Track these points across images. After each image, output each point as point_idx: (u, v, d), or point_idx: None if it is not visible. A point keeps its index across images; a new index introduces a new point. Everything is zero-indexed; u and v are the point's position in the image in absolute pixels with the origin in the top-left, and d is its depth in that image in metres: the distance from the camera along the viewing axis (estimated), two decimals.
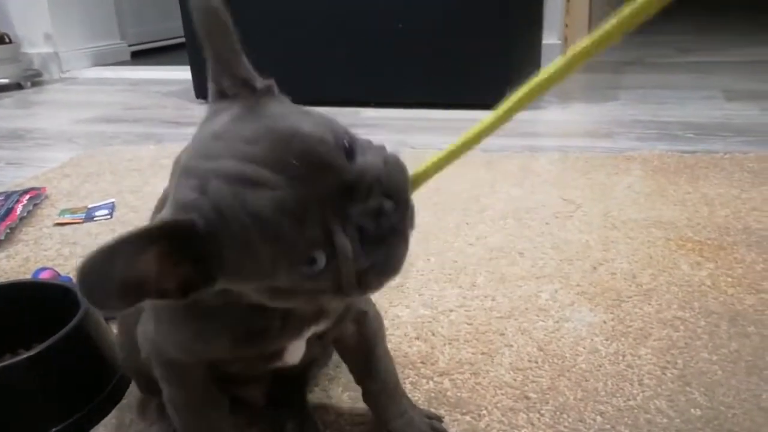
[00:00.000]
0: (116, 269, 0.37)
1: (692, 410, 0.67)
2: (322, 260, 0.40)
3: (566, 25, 2.70)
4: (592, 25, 2.78)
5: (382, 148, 0.44)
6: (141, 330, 0.56)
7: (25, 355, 0.66)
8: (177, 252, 0.39)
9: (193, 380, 0.56)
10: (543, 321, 0.85)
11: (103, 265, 0.36)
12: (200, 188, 0.39)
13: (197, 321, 0.49)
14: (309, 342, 0.56)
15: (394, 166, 0.43)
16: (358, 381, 0.65)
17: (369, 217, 0.40)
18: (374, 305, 0.63)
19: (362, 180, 0.41)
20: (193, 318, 0.49)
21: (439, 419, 0.67)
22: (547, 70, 0.41)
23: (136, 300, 0.39)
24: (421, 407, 0.68)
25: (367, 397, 0.65)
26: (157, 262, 0.39)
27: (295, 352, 0.56)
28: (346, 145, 0.41)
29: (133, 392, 0.73)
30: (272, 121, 0.41)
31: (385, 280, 0.43)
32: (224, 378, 0.58)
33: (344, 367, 0.68)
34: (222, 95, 0.45)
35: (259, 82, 0.45)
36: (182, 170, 0.41)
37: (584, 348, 0.78)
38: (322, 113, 0.44)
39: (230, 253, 0.40)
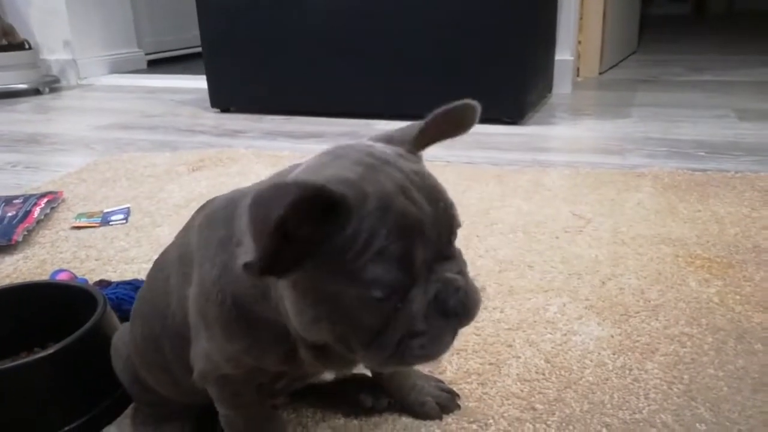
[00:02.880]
0: (280, 203, 0.38)
1: (697, 425, 0.67)
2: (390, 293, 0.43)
3: (579, 42, 2.71)
4: (605, 41, 2.79)
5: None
6: (196, 349, 0.56)
7: (41, 354, 0.68)
8: (313, 217, 0.41)
9: (247, 398, 0.58)
10: (551, 334, 0.85)
11: (272, 197, 0.39)
12: (362, 174, 0.44)
13: (251, 332, 0.51)
14: None
15: (473, 284, 0.49)
16: None
17: (450, 285, 0.45)
18: None
19: (458, 259, 0.48)
20: (247, 329, 0.51)
21: (450, 390, 0.72)
22: None
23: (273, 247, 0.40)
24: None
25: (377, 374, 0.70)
26: (300, 219, 0.40)
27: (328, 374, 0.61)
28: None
29: None
30: (428, 172, 0.48)
31: (424, 357, 0.45)
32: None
33: None
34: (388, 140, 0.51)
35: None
36: (344, 156, 0.46)
37: (591, 361, 0.79)
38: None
39: (346, 239, 0.42)
